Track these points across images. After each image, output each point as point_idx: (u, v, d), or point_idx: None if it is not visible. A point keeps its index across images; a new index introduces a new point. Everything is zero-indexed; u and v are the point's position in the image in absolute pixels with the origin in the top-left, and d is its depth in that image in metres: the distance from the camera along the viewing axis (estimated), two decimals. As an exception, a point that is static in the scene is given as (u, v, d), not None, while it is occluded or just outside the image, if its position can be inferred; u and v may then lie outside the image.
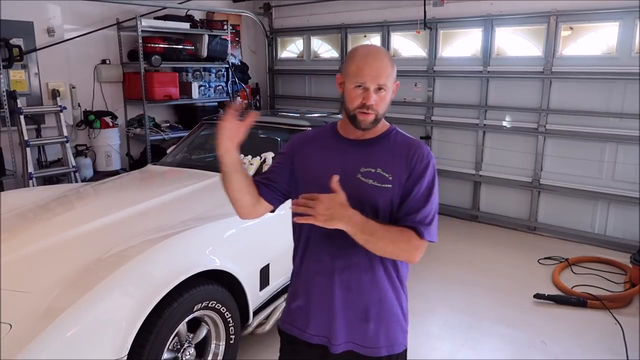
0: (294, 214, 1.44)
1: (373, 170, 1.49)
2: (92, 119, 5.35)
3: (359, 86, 1.45)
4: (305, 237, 1.59)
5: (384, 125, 1.57)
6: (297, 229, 1.62)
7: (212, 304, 2.39)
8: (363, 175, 1.49)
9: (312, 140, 1.63)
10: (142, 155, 5.82)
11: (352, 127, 1.51)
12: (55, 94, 4.96)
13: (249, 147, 3.71)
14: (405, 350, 1.63)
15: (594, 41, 4.68)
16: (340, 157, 1.53)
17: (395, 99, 5.49)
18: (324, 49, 6.80)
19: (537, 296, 3.66)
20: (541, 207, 5.15)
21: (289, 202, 1.56)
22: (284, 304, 2.87)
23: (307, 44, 6.84)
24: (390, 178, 1.48)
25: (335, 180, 1.38)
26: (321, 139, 1.61)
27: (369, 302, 1.54)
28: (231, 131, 1.45)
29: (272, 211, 1.65)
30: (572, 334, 3.25)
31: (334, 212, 1.35)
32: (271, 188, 1.60)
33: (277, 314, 2.86)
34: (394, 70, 1.50)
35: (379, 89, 1.45)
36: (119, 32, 5.62)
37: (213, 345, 2.55)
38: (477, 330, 3.29)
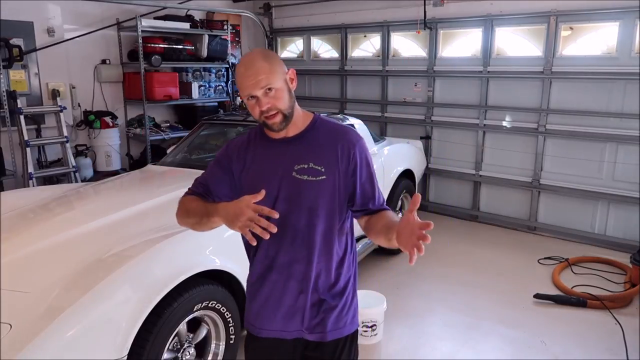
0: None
1: (306, 166, 1.53)
2: (92, 119, 5.35)
3: (250, 98, 1.49)
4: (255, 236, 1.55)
5: (306, 118, 1.61)
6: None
7: (212, 304, 2.39)
8: (297, 173, 1.53)
9: (245, 145, 1.64)
10: (142, 155, 5.81)
11: (275, 131, 1.55)
12: (55, 94, 4.97)
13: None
14: (356, 332, 1.69)
15: (594, 41, 4.68)
16: (274, 159, 1.57)
17: (395, 99, 5.46)
18: (324, 49, 6.79)
19: (537, 296, 3.66)
20: (541, 207, 5.15)
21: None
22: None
23: (307, 44, 6.84)
24: (322, 170, 1.52)
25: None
26: (253, 144, 1.63)
27: (313, 288, 1.58)
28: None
29: None
30: (572, 334, 3.25)
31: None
32: (218, 197, 1.63)
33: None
34: (276, 64, 1.50)
35: (267, 90, 1.47)
36: (119, 32, 5.62)
37: (213, 345, 2.55)
38: (477, 331, 3.30)
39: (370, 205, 1.58)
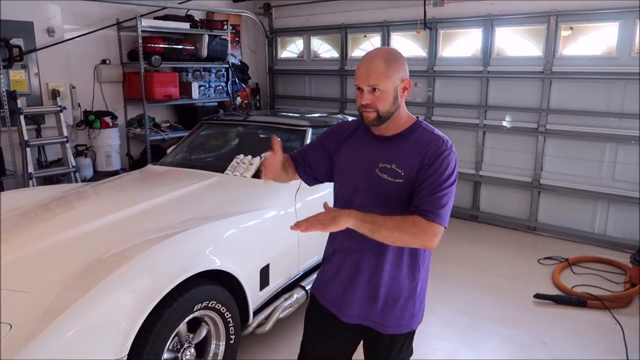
0: (334, 189, 1.78)
1: (389, 166, 1.61)
2: (92, 119, 5.35)
3: (358, 88, 1.60)
4: None
5: (408, 120, 1.67)
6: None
7: (212, 304, 2.39)
8: (380, 171, 1.62)
9: (350, 132, 1.78)
10: (142, 155, 5.82)
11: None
12: (55, 94, 4.96)
13: (249, 147, 3.72)
14: (413, 332, 1.79)
15: (594, 41, 4.68)
16: (364, 152, 1.68)
17: (395, 99, 5.20)
18: (324, 49, 6.79)
19: (537, 296, 3.66)
20: (541, 207, 5.15)
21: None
22: (284, 304, 2.89)
23: (307, 44, 6.84)
24: (402, 173, 1.58)
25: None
26: (354, 133, 1.76)
27: (378, 283, 1.67)
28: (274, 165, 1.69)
29: (310, 185, 1.87)
30: (572, 334, 3.25)
31: (335, 213, 1.49)
32: (311, 169, 1.82)
33: (277, 314, 2.85)
34: (393, 69, 1.57)
35: (373, 89, 1.56)
36: (119, 32, 5.62)
37: (213, 345, 2.55)
38: (477, 330, 3.30)
39: (417, 206, 1.53)
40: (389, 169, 1.60)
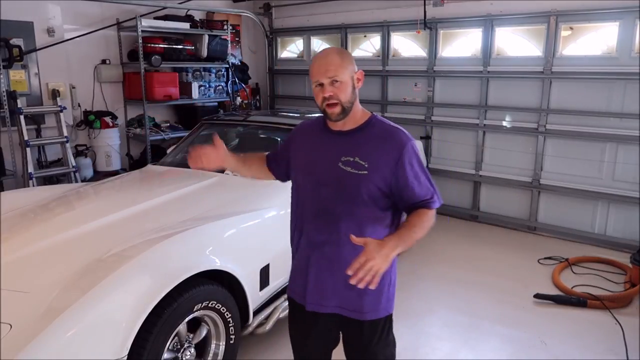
0: (293, 189, 1.86)
1: (352, 159, 1.68)
2: (92, 119, 5.35)
3: (317, 85, 1.67)
4: (301, 214, 1.83)
5: (363, 115, 1.77)
6: (294, 205, 1.88)
7: (212, 304, 2.39)
8: (343, 164, 1.69)
9: (306, 131, 1.89)
10: (142, 155, 5.81)
11: (332, 121, 1.72)
12: (55, 94, 4.96)
13: (249, 147, 3.72)
14: (390, 315, 1.86)
15: (594, 41, 4.68)
16: (326, 148, 1.75)
17: (395, 99, 5.48)
18: (324, 49, 6.79)
19: (537, 296, 3.66)
20: (541, 207, 5.15)
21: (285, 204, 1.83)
22: (284, 304, 2.89)
23: (307, 44, 6.84)
24: (366, 165, 1.66)
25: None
26: (312, 130, 1.85)
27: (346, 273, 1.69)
28: (213, 154, 1.84)
29: (283, 181, 2.02)
30: (572, 334, 3.25)
31: (385, 251, 1.53)
32: (279, 167, 1.97)
33: (277, 314, 2.86)
34: (347, 62, 1.68)
35: (333, 81, 1.64)
36: (119, 32, 5.62)
37: (213, 345, 2.55)
38: (477, 330, 3.30)
39: (419, 203, 1.70)
40: (352, 162, 1.67)
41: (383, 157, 1.67)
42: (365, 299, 1.75)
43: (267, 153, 2.03)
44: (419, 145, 5.33)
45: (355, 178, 1.66)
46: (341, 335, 1.90)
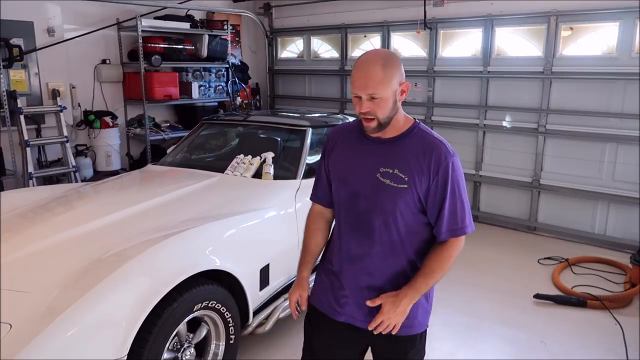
0: (335, 199, 1.73)
1: (390, 171, 1.58)
2: (92, 119, 5.35)
3: (356, 96, 1.55)
4: (338, 225, 1.74)
5: (406, 122, 1.63)
6: (335, 216, 1.77)
7: (212, 304, 2.39)
8: (382, 175, 1.59)
9: (342, 136, 1.74)
10: (142, 155, 5.81)
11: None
12: (55, 94, 4.96)
13: (249, 147, 3.71)
14: (426, 331, 1.80)
15: (594, 41, 4.68)
16: (363, 157, 1.64)
17: (395, 99, 5.16)
18: (324, 49, 6.79)
19: (537, 296, 3.66)
20: (541, 207, 5.15)
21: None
22: (284, 304, 2.89)
23: (307, 44, 6.84)
24: (406, 179, 1.56)
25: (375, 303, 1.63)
26: (349, 137, 1.72)
27: (390, 287, 1.64)
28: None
29: None
30: (572, 334, 3.25)
31: (397, 313, 1.56)
32: (332, 193, 1.77)
33: (277, 314, 2.85)
34: (391, 75, 1.51)
35: (372, 97, 1.51)
36: (119, 32, 5.62)
37: (213, 345, 2.55)
38: (477, 330, 3.29)
39: (448, 232, 1.63)
40: (391, 174, 1.57)
41: (424, 171, 1.56)
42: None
43: (312, 198, 1.85)
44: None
45: (394, 191, 1.57)
46: (371, 349, 1.80)
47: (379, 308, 1.61)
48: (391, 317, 1.55)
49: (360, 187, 1.63)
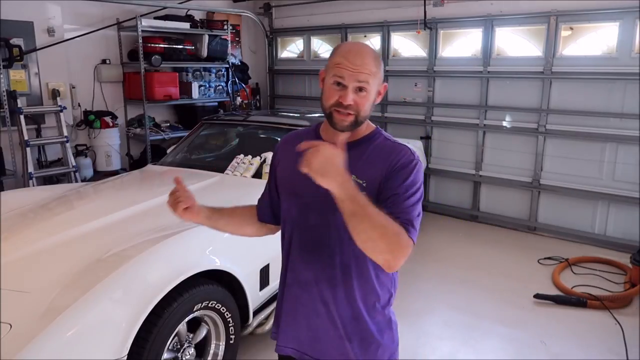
0: (282, 224, 1.51)
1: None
2: (92, 119, 5.34)
3: (338, 83, 1.34)
4: (287, 244, 1.52)
5: (367, 128, 1.46)
6: (282, 235, 1.57)
7: (212, 304, 2.39)
8: None
9: (292, 144, 1.44)
10: (142, 155, 5.81)
11: (334, 130, 1.39)
12: (55, 94, 4.96)
13: (249, 147, 3.72)
14: None
15: (594, 41, 4.68)
16: None
17: (395, 99, 5.47)
18: (324, 49, 6.79)
19: (537, 296, 3.66)
20: (541, 207, 5.15)
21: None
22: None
23: (307, 44, 6.84)
24: (364, 184, 1.35)
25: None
26: (300, 143, 1.40)
27: (349, 316, 1.46)
28: (182, 200, 1.60)
29: None
30: (572, 334, 3.25)
31: (329, 169, 1.18)
32: (271, 210, 1.61)
33: (277, 314, 2.85)
34: (379, 70, 1.37)
35: (359, 89, 1.33)
36: (119, 32, 5.62)
37: (213, 345, 2.55)
38: (477, 330, 3.30)
39: (398, 216, 1.29)
40: None
41: (383, 175, 1.36)
42: (369, 350, 1.48)
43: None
44: (418, 145, 5.32)
45: None
46: None
47: (335, 344, 1.46)
48: (329, 162, 1.18)
49: (311, 199, 1.40)
